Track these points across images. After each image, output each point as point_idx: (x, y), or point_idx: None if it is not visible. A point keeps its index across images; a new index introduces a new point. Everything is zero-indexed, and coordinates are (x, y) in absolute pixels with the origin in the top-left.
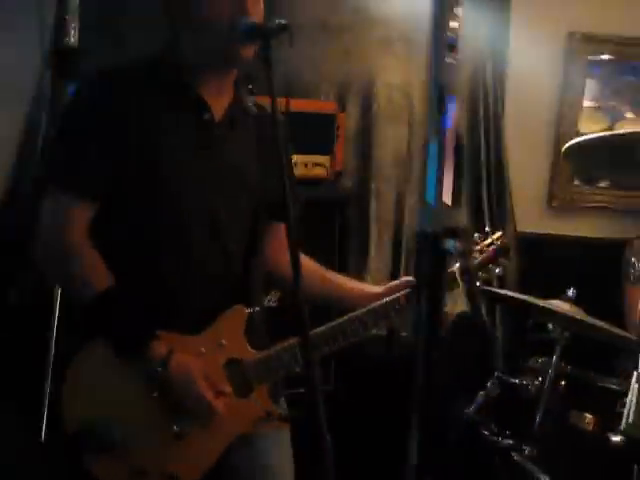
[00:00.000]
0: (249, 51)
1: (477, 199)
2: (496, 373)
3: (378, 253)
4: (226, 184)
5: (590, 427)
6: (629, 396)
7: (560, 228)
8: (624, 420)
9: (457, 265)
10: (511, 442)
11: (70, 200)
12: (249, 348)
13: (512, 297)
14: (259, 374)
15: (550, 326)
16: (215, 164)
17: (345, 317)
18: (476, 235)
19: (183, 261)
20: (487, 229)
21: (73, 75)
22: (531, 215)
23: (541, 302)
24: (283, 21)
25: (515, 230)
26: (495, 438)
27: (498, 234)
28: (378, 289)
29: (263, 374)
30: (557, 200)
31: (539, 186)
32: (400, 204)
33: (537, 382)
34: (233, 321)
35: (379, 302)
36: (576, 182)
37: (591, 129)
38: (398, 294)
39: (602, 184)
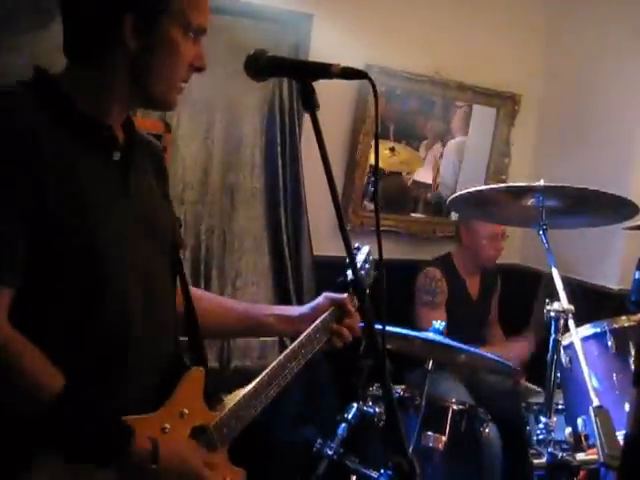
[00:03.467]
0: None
1: (275, 223)
2: (355, 404)
3: None
4: (150, 236)
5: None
6: (595, 430)
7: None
8: (601, 454)
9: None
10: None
11: None
12: (208, 410)
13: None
14: (222, 437)
15: None
16: (136, 215)
17: (281, 357)
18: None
19: (128, 333)
20: (357, 245)
21: None
22: (326, 238)
23: (421, 335)
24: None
25: (311, 253)
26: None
27: (367, 249)
28: (303, 309)
29: (226, 436)
30: (350, 224)
31: (333, 211)
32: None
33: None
34: (192, 386)
35: (312, 328)
36: (365, 207)
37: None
38: (326, 314)
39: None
